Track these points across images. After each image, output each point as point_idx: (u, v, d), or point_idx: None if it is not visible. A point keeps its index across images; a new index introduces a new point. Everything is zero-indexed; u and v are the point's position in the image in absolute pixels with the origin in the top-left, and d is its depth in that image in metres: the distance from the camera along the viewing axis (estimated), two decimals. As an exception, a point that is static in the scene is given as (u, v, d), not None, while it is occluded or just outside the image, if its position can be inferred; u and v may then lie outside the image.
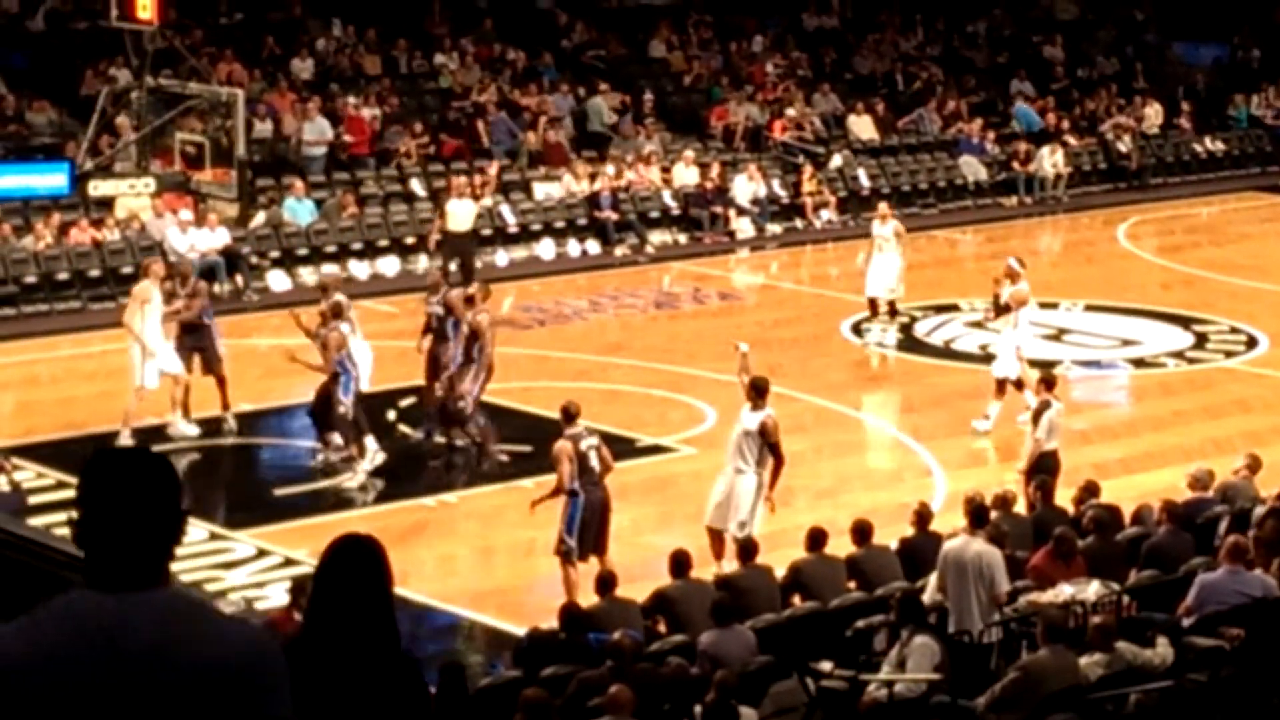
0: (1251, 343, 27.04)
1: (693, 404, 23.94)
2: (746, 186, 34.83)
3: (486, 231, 32.33)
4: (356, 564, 5.26)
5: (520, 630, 15.51)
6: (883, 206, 29.70)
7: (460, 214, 29.86)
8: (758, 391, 18.30)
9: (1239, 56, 44.19)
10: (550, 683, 12.74)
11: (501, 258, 32.40)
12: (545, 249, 32.87)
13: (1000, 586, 14.28)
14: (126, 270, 28.27)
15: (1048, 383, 20.26)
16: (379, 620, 5.27)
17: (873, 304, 28.20)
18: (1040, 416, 19.39)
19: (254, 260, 30.22)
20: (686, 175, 35.11)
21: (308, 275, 30.05)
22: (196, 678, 4.13)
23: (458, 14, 38.31)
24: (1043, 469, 18.71)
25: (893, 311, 28.12)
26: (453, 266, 29.19)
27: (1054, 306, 28.83)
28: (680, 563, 15.36)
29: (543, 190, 34.00)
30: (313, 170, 32.89)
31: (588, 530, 17.29)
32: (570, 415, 17.62)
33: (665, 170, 35.07)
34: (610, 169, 34.22)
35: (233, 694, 4.16)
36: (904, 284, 27.83)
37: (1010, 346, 23.03)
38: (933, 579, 14.77)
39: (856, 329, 27.79)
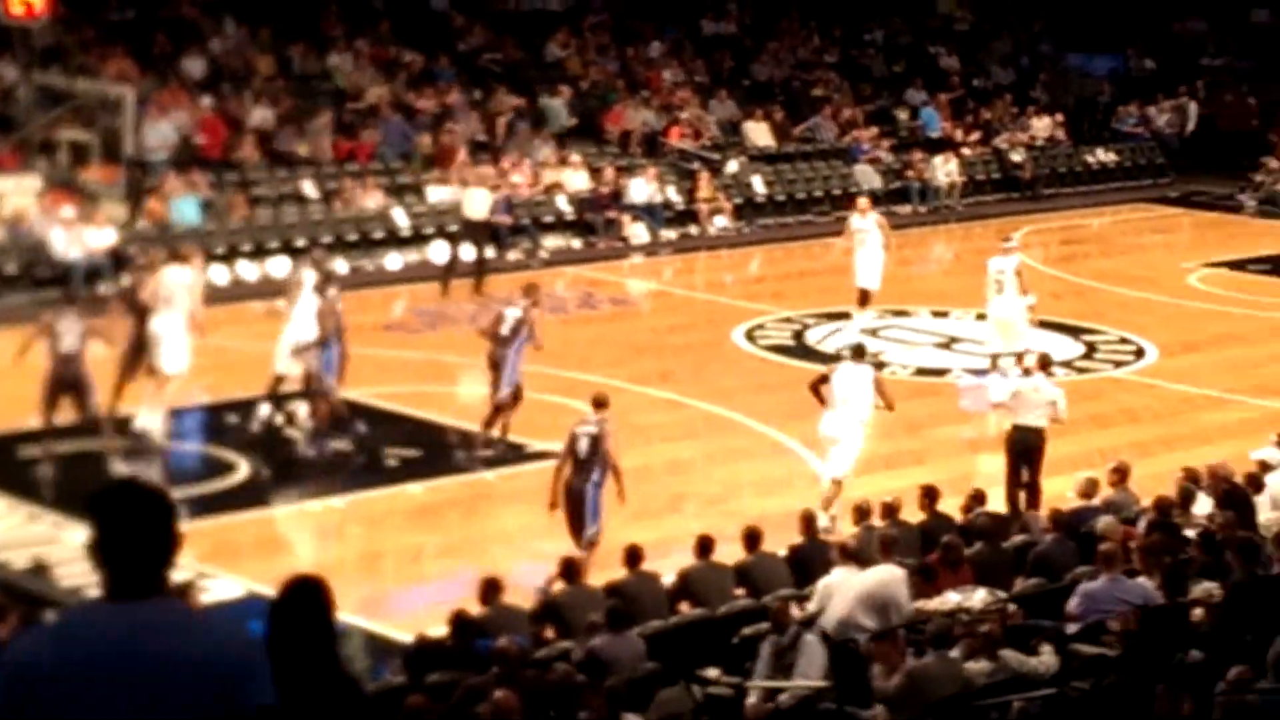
0: (1140, 353, 27.20)
1: (585, 409, 23.77)
2: (643, 191, 34.79)
3: (379, 234, 32.21)
4: (305, 603, 6.11)
5: (408, 637, 15.36)
6: (862, 201, 29.90)
7: (476, 202, 30.85)
8: (596, 404, 18.75)
9: (1133, 68, 44.52)
10: (436, 689, 12.63)
11: (394, 260, 32.22)
12: (439, 252, 32.66)
13: (906, 609, 14.24)
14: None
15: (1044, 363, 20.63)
16: (324, 649, 6.10)
17: (863, 295, 28.29)
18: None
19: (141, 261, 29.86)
20: (580, 180, 35.03)
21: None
22: (198, 669, 5.01)
23: (353, 15, 38.06)
24: (1020, 443, 19.54)
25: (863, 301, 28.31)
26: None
27: (945, 315, 28.92)
28: (571, 569, 15.27)
29: (436, 193, 33.83)
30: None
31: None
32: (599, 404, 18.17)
33: (555, 177, 34.99)
34: (518, 176, 34.14)
35: (227, 682, 5.03)
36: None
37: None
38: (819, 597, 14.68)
39: (749, 334, 27.77)
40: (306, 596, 6.10)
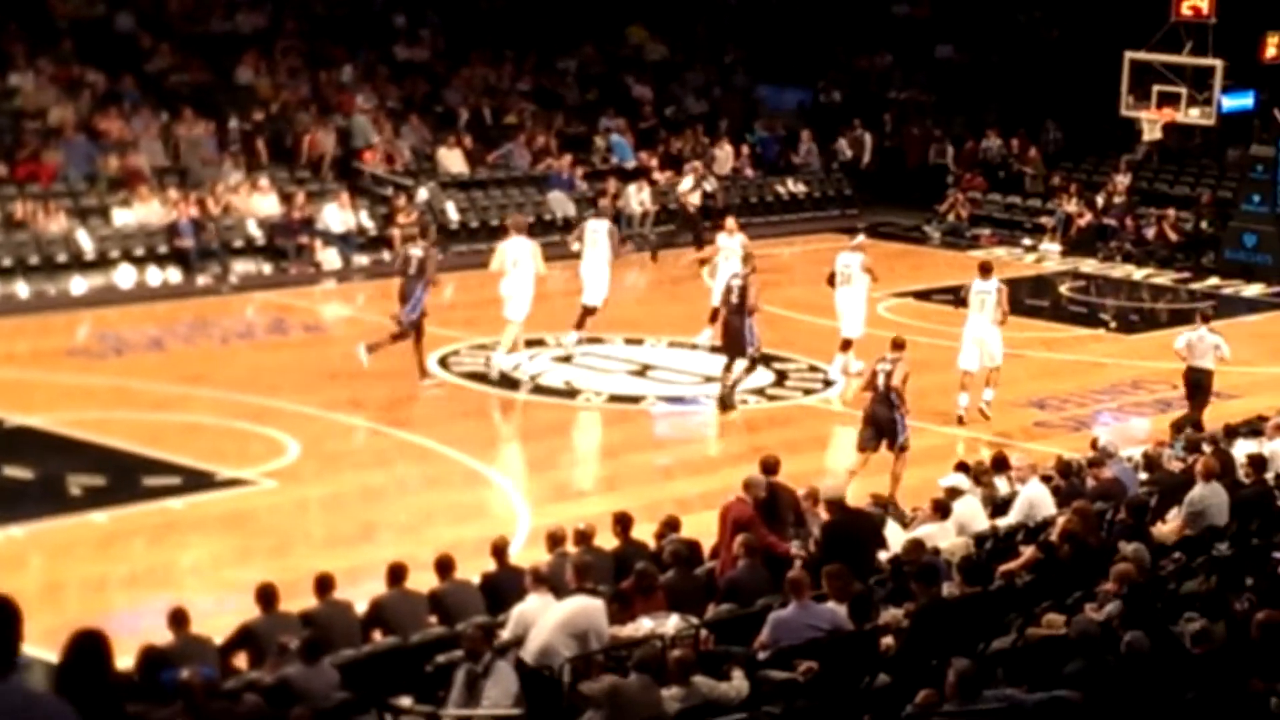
0: (830, 382, 27.58)
1: (275, 436, 23.54)
2: (337, 216, 34.47)
3: (62, 258, 31.53)
4: (90, 658, 6.95)
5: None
6: (730, 221, 30.19)
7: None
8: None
9: (823, 100, 45.26)
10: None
11: (79, 284, 31.55)
12: (124, 276, 32.07)
13: (604, 637, 14.22)
14: None
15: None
16: (111, 699, 7.07)
17: (715, 313, 28.15)
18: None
19: None
20: (269, 204, 34.61)
21: None
22: None
23: (34, 34, 37.14)
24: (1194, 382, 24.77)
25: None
26: None
27: (639, 343, 29.08)
28: (267, 596, 14.99)
29: (121, 216, 33.19)
30: None
31: None
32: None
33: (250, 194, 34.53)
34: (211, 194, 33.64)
35: None
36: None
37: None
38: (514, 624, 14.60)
39: (443, 361, 27.64)
40: (90, 651, 6.83)
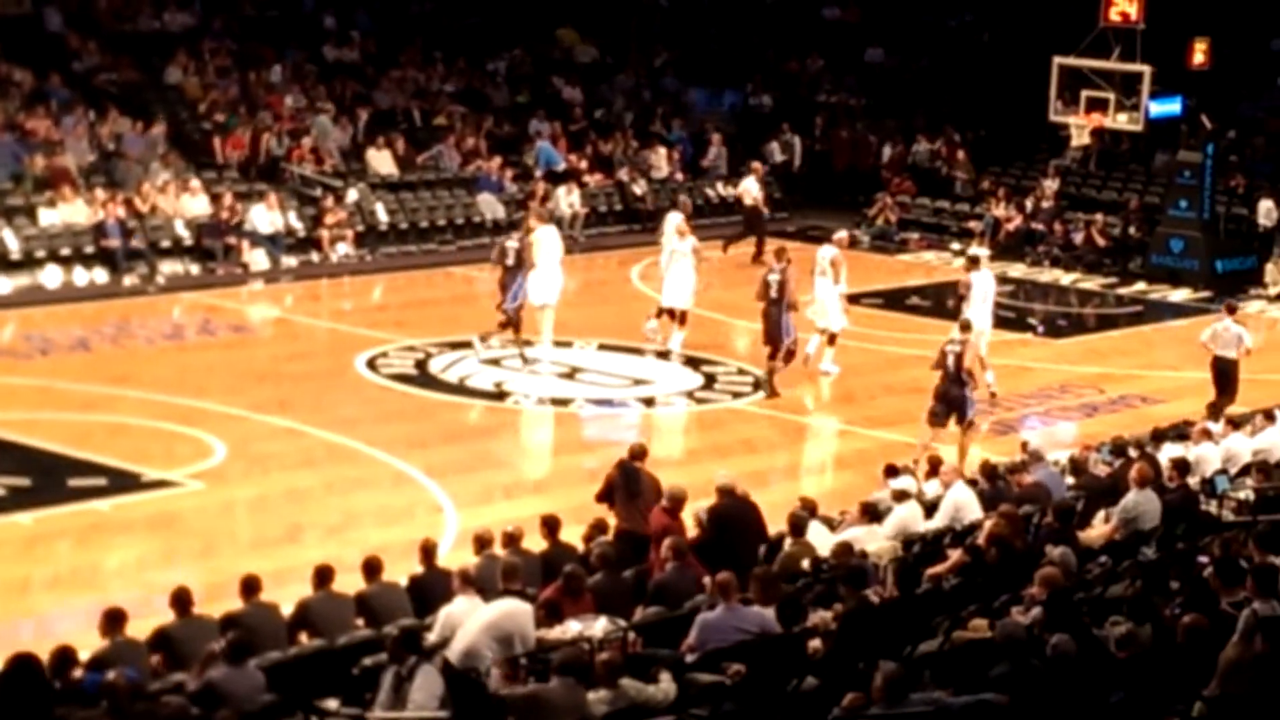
0: (758, 385, 27.58)
1: (201, 437, 23.44)
2: (265, 217, 34.32)
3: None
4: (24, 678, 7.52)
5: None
6: (682, 224, 30.06)
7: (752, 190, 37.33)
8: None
9: (752, 103, 45.31)
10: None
11: (4, 285, 31.34)
12: (50, 276, 31.87)
13: (530, 640, 14.20)
14: None
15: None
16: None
17: (671, 313, 29.22)
18: None
19: None
20: (197, 205, 34.44)
21: None
22: None
23: (-39, 32, 36.92)
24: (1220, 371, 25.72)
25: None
26: None
27: (568, 345, 29.06)
28: (182, 600, 14.89)
29: (48, 216, 32.97)
30: None
31: None
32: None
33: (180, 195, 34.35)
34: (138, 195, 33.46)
35: None
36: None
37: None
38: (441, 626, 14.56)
39: (371, 363, 27.56)
40: (24, 673, 6.80)
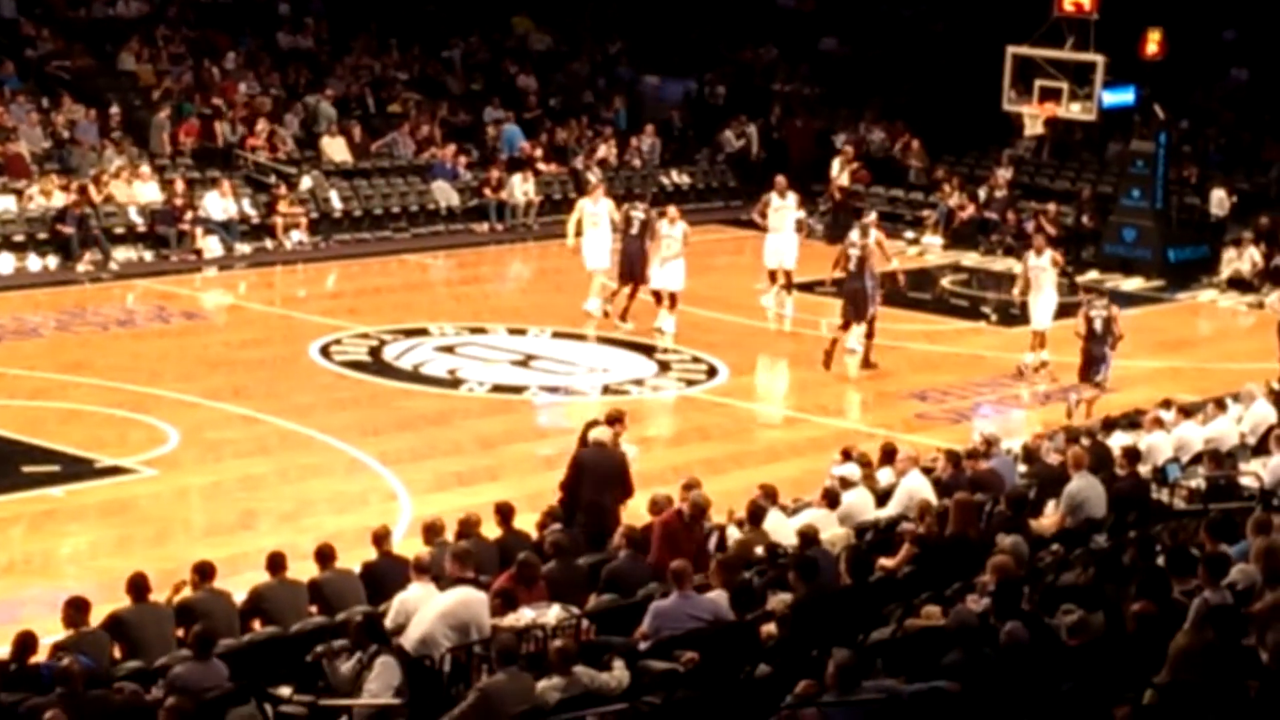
0: (712, 372, 27.67)
1: (155, 424, 23.40)
2: (219, 204, 34.22)
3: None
4: None
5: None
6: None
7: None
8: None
9: (707, 93, 45.31)
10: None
11: (-41, 271, 31.28)
12: (3, 263, 31.75)
13: (486, 628, 14.20)
14: None
15: None
16: None
17: (772, 275, 31.62)
18: None
19: None
20: (151, 192, 34.33)
21: None
22: None
23: (-87, 18, 36.72)
24: None
25: (789, 285, 31.59)
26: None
27: (523, 333, 29.07)
28: (138, 587, 14.86)
29: (2, 203, 32.84)
30: None
31: None
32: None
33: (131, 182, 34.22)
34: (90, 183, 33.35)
35: None
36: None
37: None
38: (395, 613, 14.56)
39: (325, 350, 27.53)
40: None
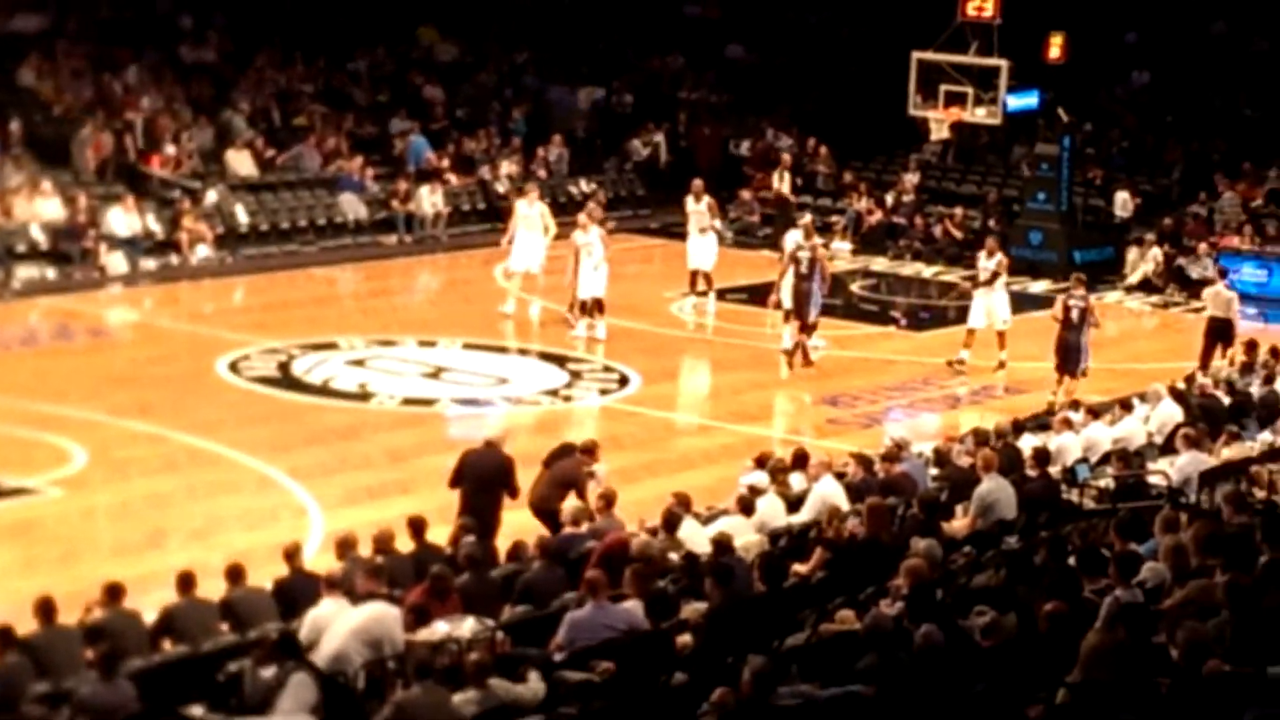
0: (624, 381, 27.63)
1: (60, 444, 23.15)
2: (123, 220, 33.94)
3: None
4: None
5: None
6: (697, 183, 33.06)
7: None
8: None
9: (615, 101, 45.31)
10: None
11: None
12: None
13: (398, 643, 14.11)
14: None
15: None
16: None
17: (693, 277, 32.48)
18: None
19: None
20: (53, 208, 34.00)
21: None
22: None
23: None
24: (1214, 330, 28.40)
25: (707, 289, 32.43)
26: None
27: (433, 345, 28.96)
28: (46, 609, 14.70)
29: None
30: None
31: None
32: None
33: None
34: None
35: None
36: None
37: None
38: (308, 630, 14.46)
39: (233, 366, 27.34)
40: None
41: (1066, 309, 26.88)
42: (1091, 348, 26.99)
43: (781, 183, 39.82)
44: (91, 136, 36.13)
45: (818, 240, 29.58)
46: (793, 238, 29.58)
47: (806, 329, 28.42)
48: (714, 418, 26.43)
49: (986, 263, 29.20)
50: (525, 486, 19.13)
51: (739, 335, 30.47)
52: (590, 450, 19.87)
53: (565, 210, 36.14)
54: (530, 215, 31.34)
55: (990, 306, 28.91)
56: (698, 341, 30.74)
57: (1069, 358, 26.71)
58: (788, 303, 28.70)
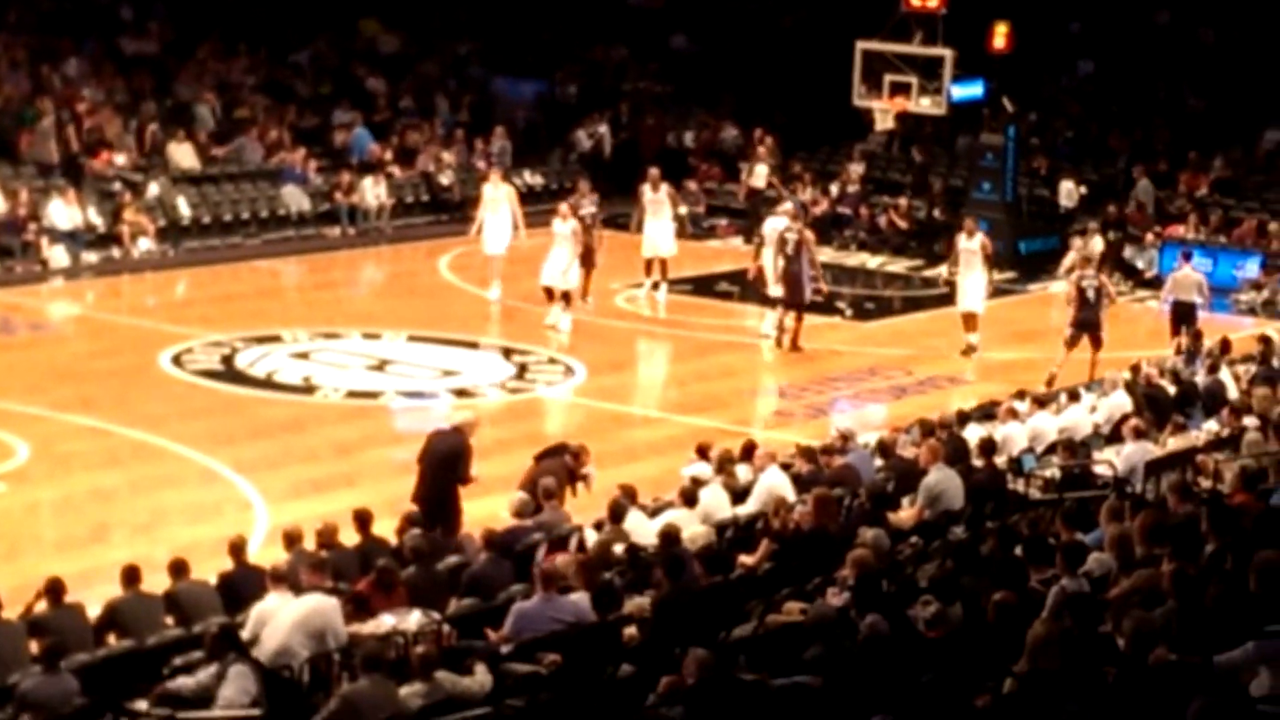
0: (569, 372, 27.59)
1: (2, 438, 23.00)
2: (64, 213, 33.72)
3: None
4: None
5: None
6: (654, 172, 33.71)
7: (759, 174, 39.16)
8: None
9: (558, 92, 45.24)
10: None
11: None
12: None
13: (341, 635, 14.06)
14: None
15: None
16: None
17: (648, 265, 32.64)
18: None
19: None
20: (-5, 201, 33.83)
21: None
22: None
23: None
24: (1179, 314, 29.00)
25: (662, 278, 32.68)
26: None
27: (377, 337, 28.87)
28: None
29: None
30: None
31: None
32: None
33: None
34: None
35: None
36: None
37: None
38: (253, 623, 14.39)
39: (177, 359, 27.20)
40: None
41: (1080, 290, 27.31)
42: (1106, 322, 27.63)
43: (750, 176, 39.70)
44: (52, 129, 35.86)
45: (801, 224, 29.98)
46: (773, 223, 29.90)
47: (800, 312, 28.95)
48: (660, 409, 26.42)
49: (968, 243, 29.30)
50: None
51: (686, 326, 30.46)
52: (578, 454, 19.75)
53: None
54: (496, 197, 31.56)
55: (971, 287, 29.19)
56: (644, 333, 30.71)
57: (1094, 334, 27.13)
58: (775, 290, 28.89)
